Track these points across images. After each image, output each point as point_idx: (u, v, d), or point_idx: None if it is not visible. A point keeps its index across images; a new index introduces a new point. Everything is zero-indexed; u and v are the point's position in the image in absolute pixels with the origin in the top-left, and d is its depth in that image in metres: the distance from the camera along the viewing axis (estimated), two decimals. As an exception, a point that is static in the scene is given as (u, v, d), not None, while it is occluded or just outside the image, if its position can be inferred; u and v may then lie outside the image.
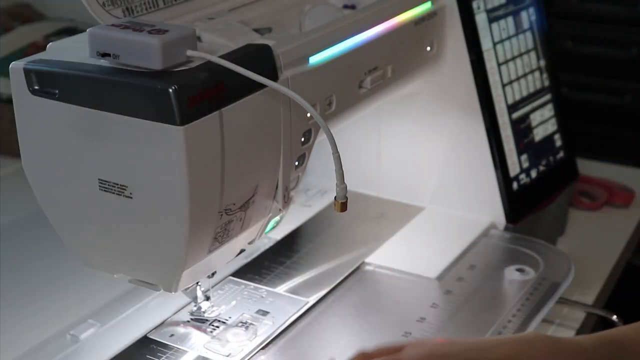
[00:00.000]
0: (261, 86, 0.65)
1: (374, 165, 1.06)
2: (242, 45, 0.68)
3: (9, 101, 0.79)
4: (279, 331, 0.81)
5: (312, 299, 0.86)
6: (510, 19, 1.00)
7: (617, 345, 0.72)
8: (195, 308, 0.82)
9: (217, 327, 0.81)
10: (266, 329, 0.82)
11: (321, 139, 0.76)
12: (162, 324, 0.82)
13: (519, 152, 1.00)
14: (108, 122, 0.63)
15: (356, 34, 0.79)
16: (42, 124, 0.67)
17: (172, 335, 0.80)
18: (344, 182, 0.66)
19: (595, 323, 0.94)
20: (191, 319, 0.82)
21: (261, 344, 0.79)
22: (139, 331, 0.82)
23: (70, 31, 1.33)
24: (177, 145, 0.61)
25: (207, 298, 0.82)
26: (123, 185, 0.64)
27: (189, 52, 0.62)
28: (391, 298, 0.89)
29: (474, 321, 0.84)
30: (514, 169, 0.99)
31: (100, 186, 0.65)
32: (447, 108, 0.98)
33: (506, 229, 0.99)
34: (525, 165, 1.00)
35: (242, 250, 0.76)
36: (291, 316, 0.83)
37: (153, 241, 0.66)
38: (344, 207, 0.67)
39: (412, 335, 0.80)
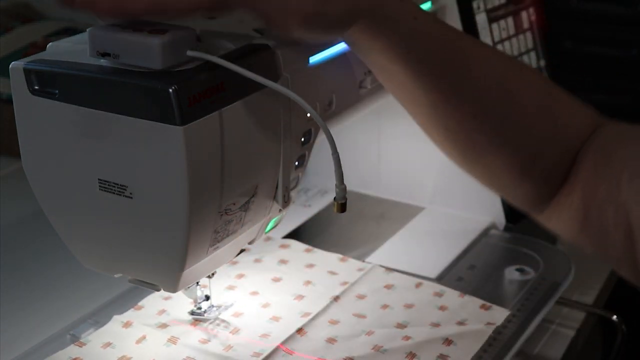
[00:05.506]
0: (261, 86, 0.65)
1: (374, 165, 1.06)
2: (242, 45, 0.68)
3: (9, 101, 0.79)
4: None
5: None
6: (510, 19, 1.00)
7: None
8: (195, 308, 0.82)
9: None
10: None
11: (321, 139, 0.76)
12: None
13: (519, 152, 1.00)
14: (108, 122, 0.63)
15: (356, 34, 0.79)
16: (42, 124, 0.67)
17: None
18: (343, 183, 0.66)
19: (595, 323, 0.94)
20: (191, 318, 0.82)
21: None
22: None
23: (70, 31, 1.33)
24: (177, 145, 0.60)
25: (207, 298, 0.82)
26: (123, 185, 0.64)
27: (189, 52, 0.62)
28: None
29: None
30: (514, 169, 0.99)
31: (100, 186, 0.65)
32: (447, 108, 0.98)
33: (506, 229, 0.99)
34: (525, 165, 1.00)
35: (242, 250, 0.76)
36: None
37: (153, 241, 0.66)
38: (343, 208, 0.67)
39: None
